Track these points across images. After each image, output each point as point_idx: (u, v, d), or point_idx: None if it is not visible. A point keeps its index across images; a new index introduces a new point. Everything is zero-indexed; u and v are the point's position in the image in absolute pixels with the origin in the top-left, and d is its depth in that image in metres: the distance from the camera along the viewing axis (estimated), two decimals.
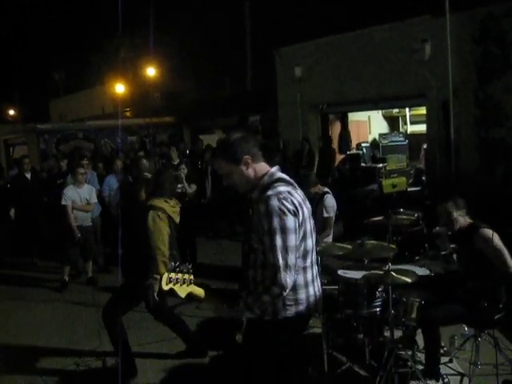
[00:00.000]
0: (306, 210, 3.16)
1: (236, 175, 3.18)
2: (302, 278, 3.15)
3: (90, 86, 30.29)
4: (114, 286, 6.31)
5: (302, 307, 3.14)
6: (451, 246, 5.30)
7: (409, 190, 11.51)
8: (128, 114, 23.68)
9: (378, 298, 4.82)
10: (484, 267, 4.40)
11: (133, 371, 5.23)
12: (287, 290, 2.99)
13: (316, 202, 6.37)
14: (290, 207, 3.00)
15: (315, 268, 3.29)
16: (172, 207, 5.29)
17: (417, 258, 5.70)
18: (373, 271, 4.63)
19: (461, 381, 4.51)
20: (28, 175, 10.47)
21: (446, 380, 4.49)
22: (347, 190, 11.04)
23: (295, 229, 3.01)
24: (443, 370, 4.60)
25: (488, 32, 10.35)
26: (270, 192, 3.04)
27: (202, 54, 21.73)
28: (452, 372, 4.65)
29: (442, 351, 4.71)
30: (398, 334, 4.67)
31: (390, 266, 4.34)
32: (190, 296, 3.21)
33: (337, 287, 4.98)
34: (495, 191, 9.19)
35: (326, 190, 6.52)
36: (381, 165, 12.89)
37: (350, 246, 5.14)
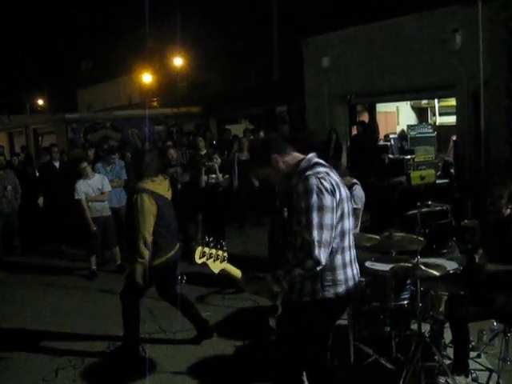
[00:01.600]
0: (344, 191, 3.22)
1: (273, 175, 3.34)
2: (340, 259, 3.16)
3: (117, 76, 30.42)
4: None
5: (340, 289, 3.15)
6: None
7: (437, 182, 11.37)
8: (155, 103, 23.77)
9: (406, 290, 4.79)
10: None
11: (134, 356, 5.34)
12: (321, 266, 3.00)
13: None
14: (328, 186, 3.07)
15: (353, 251, 3.31)
16: (158, 184, 5.24)
17: (445, 250, 5.64)
18: (401, 263, 4.60)
19: (489, 376, 4.45)
20: (57, 164, 10.59)
21: (474, 375, 4.45)
22: (375, 181, 10.93)
23: (332, 207, 3.05)
24: (471, 365, 4.55)
25: None
26: (308, 172, 3.13)
27: (229, 44, 21.66)
28: (480, 367, 4.60)
29: (470, 346, 4.65)
30: (425, 327, 4.63)
31: (418, 258, 4.30)
32: (225, 274, 3.20)
33: (364, 279, 4.95)
34: None
35: (355, 181, 6.49)
36: (409, 156, 12.73)
37: (378, 237, 5.11)
